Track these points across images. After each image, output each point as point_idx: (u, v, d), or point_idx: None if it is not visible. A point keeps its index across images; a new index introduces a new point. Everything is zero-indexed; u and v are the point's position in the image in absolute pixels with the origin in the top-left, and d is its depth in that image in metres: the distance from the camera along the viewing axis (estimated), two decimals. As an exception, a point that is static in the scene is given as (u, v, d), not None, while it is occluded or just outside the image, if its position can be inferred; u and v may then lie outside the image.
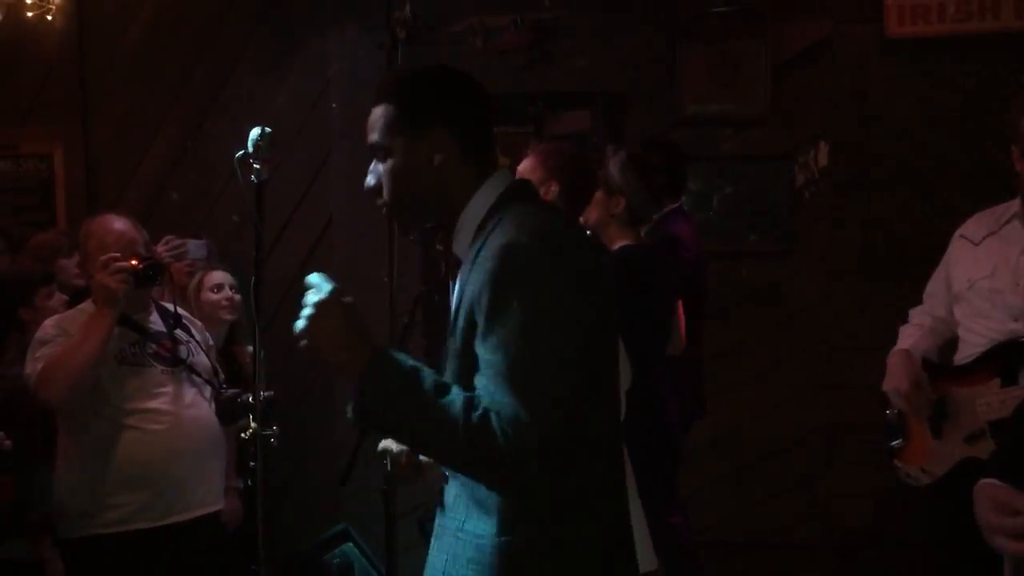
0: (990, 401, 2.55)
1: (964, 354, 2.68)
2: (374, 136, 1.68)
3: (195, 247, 3.74)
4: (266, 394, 2.40)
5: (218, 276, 3.56)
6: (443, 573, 1.63)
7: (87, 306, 2.79)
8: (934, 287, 2.86)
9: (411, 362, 1.53)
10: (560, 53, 4.31)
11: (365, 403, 1.52)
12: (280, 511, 3.92)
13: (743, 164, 4.33)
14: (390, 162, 1.68)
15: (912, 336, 2.80)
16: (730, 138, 4.33)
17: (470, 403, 1.48)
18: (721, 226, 4.32)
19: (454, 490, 1.64)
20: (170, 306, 2.95)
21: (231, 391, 2.85)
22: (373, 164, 1.70)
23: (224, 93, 4.46)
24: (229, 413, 2.84)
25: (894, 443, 2.76)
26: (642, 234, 3.56)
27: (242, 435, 2.15)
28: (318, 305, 1.52)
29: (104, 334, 2.65)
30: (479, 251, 1.58)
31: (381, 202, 1.71)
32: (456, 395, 1.50)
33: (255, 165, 1.94)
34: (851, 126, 4.27)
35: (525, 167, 2.64)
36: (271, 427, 2.28)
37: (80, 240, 2.93)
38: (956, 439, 2.63)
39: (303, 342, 1.52)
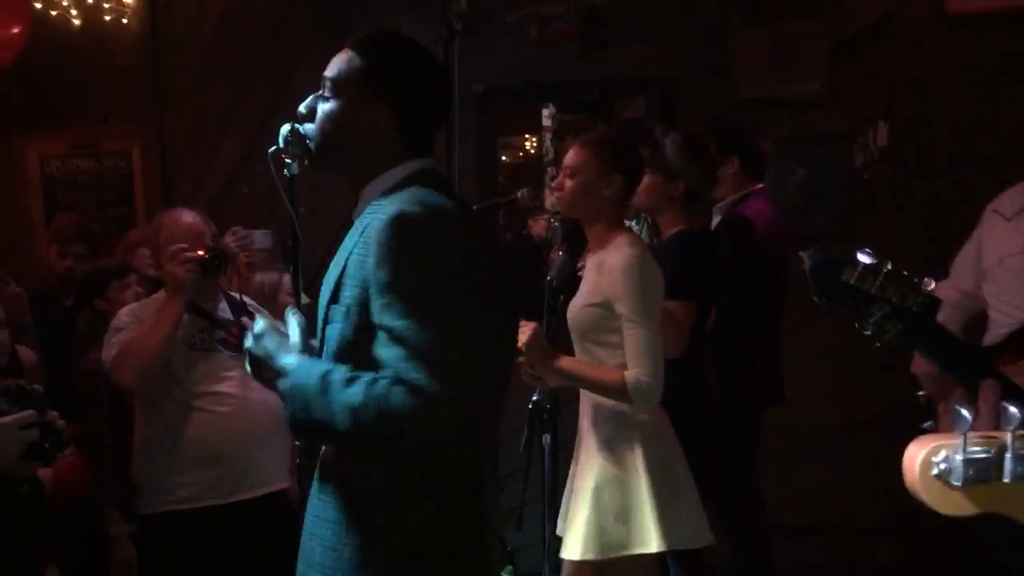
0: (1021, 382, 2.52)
1: (994, 334, 2.63)
2: (329, 74, 1.76)
3: (261, 237, 3.86)
4: None
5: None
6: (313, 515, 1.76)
7: (159, 295, 2.94)
8: (963, 259, 2.81)
9: (321, 367, 1.63)
10: (614, 40, 4.33)
11: (292, 416, 1.66)
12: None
13: (800, 146, 4.29)
14: (330, 105, 1.75)
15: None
16: (786, 120, 4.30)
17: (373, 383, 1.54)
18: (779, 208, 4.30)
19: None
20: (237, 295, 3.09)
21: None
22: (316, 95, 1.78)
23: (289, 89, 4.60)
24: None
25: (925, 425, 2.74)
26: (716, 214, 3.59)
27: None
28: (248, 350, 1.77)
29: (173, 320, 2.79)
30: (367, 222, 1.65)
31: (305, 130, 1.78)
32: (358, 384, 1.56)
33: (287, 160, 2.03)
34: (911, 105, 4.19)
35: (575, 159, 2.62)
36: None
37: (152, 233, 3.09)
38: None
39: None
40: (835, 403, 4.32)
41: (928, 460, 1.08)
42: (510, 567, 4.20)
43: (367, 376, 1.56)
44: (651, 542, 2.44)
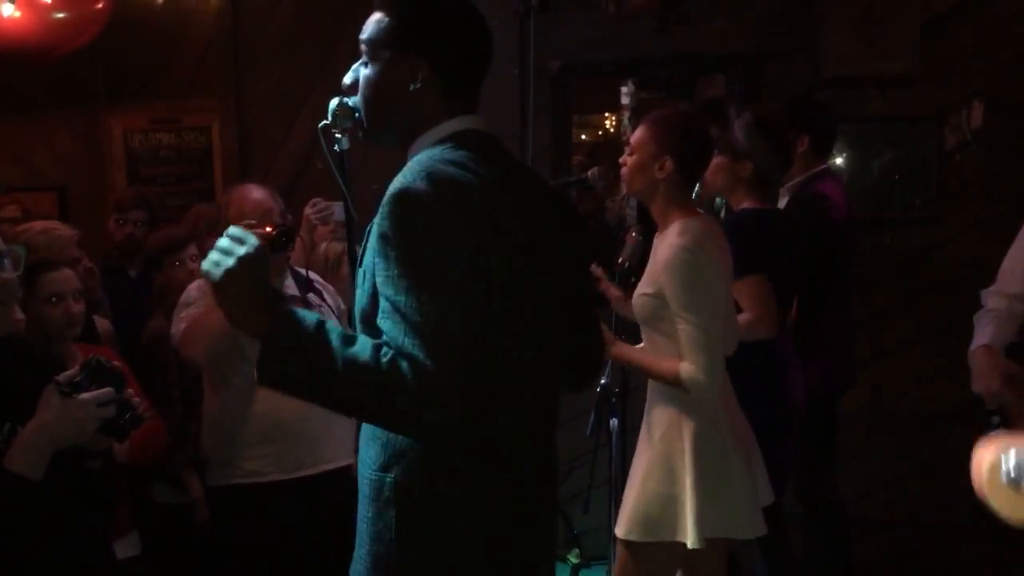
0: None
1: None
2: (363, 38, 1.71)
3: (340, 210, 3.85)
4: None
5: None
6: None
7: (229, 270, 2.97)
8: (1010, 264, 2.68)
9: (315, 318, 1.52)
10: (695, 15, 4.21)
11: (269, 363, 1.50)
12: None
13: (888, 126, 4.12)
14: (370, 70, 1.71)
15: (988, 327, 2.65)
16: (875, 99, 4.14)
17: (378, 349, 1.47)
18: (864, 191, 4.15)
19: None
20: (303, 271, 3.11)
21: None
22: (357, 64, 1.74)
23: (365, 66, 4.61)
24: None
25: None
26: (783, 195, 3.49)
27: None
28: (240, 261, 1.53)
29: (241, 296, 2.81)
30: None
31: (353, 102, 1.74)
32: (364, 343, 1.48)
33: (337, 135, 2.00)
34: (1009, 84, 3.99)
35: (636, 137, 2.58)
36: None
37: (222, 208, 3.12)
38: None
39: (217, 296, 1.56)
40: (918, 394, 4.17)
41: (997, 462, 0.99)
42: (576, 550, 4.17)
43: (368, 340, 1.49)
44: (686, 533, 2.44)
